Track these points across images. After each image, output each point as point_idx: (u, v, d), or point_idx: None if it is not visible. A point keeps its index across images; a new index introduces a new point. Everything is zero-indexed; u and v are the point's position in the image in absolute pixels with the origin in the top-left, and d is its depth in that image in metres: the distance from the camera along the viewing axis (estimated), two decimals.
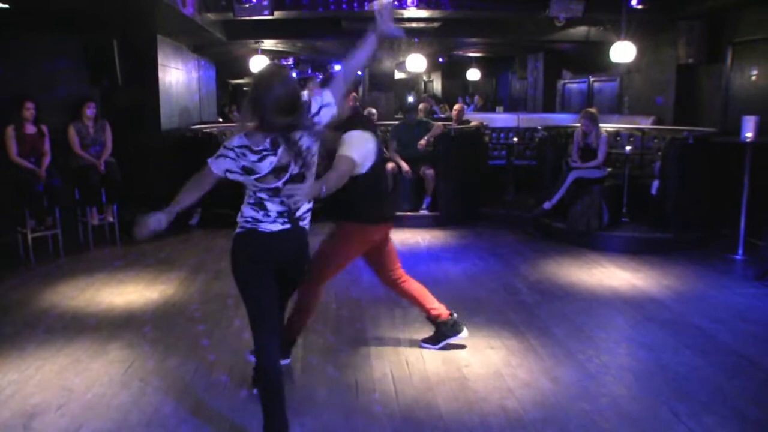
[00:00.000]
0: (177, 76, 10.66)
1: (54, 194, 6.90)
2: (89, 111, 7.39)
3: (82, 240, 7.33)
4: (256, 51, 12.65)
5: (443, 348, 4.26)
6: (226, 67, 17.00)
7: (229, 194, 8.42)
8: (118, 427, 3.32)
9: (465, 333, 4.27)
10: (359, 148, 3.60)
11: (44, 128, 7.01)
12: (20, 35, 8.40)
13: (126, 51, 8.70)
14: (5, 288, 5.82)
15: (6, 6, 7.14)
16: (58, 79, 8.60)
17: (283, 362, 3.80)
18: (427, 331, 4.58)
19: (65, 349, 4.37)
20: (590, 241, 7.13)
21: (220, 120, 13.65)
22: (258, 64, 12.47)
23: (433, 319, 4.29)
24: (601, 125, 7.70)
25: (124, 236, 7.41)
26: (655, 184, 7.21)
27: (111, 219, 7.48)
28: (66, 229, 7.08)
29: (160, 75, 9.14)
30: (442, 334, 4.27)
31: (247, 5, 8.57)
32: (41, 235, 6.88)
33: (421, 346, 4.31)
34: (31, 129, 6.90)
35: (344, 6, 9.78)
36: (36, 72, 8.52)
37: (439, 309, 4.25)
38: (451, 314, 4.27)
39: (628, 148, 7.71)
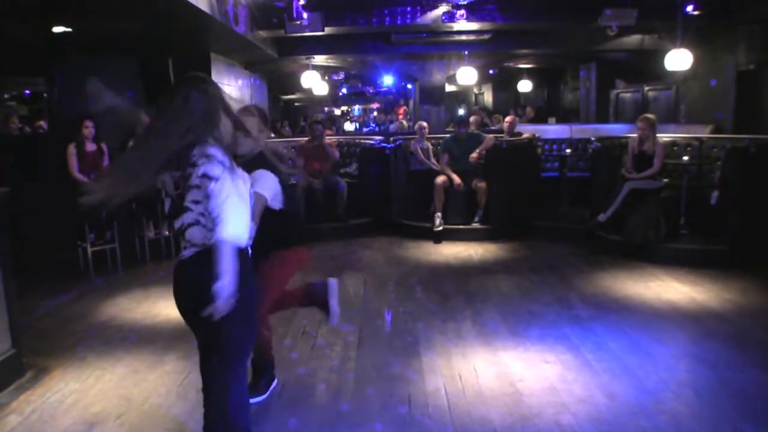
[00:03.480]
0: (229, 92, 10.86)
1: (112, 209, 7.14)
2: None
3: (139, 254, 7.53)
4: (307, 66, 12.85)
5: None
6: (277, 83, 17.32)
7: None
8: None
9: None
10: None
11: (104, 146, 7.27)
12: (80, 56, 8.74)
13: (181, 69, 8.94)
14: (67, 300, 6.02)
15: (69, 30, 7.44)
16: (116, 98, 8.90)
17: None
18: (482, 346, 4.55)
19: (124, 359, 4.48)
20: (647, 254, 6.95)
21: (272, 135, 13.88)
22: (309, 79, 12.65)
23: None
24: (657, 135, 7.52)
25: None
26: (715, 194, 7.00)
27: (166, 233, 7.67)
28: (123, 243, 7.29)
29: None
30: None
31: (298, 22, 8.71)
32: (100, 249, 7.09)
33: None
34: (91, 147, 7.16)
35: (398, 20, 9.85)
36: (95, 91, 8.83)
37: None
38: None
39: (685, 158, 7.51)
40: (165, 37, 8.38)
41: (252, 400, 3.60)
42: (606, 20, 9.06)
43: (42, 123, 12.06)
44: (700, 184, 7.62)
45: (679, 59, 8.90)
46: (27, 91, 15.63)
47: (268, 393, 3.83)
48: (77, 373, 4.27)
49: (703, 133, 9.04)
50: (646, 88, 12.48)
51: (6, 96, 14.30)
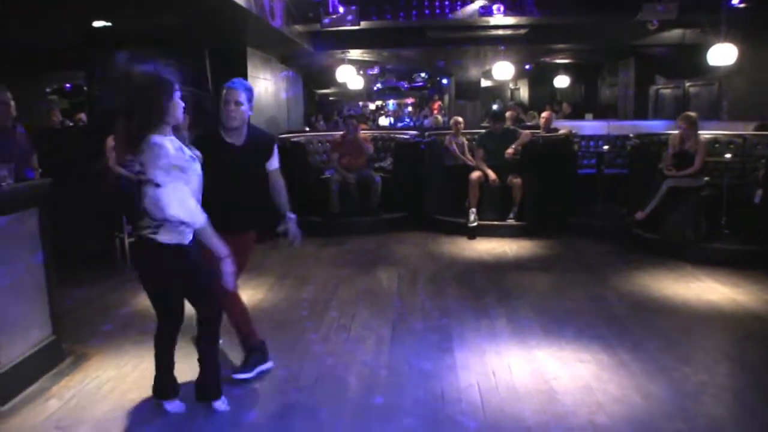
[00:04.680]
0: (266, 86, 10.96)
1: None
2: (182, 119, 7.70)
3: None
4: (342, 61, 12.88)
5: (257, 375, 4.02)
6: (312, 77, 17.39)
7: (317, 202, 8.65)
8: None
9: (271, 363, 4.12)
10: None
11: None
12: (118, 49, 8.86)
13: (217, 62, 9.02)
14: (104, 290, 6.12)
15: (109, 24, 7.56)
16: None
17: None
18: (516, 344, 4.51)
19: None
20: (686, 254, 6.80)
21: (306, 129, 13.95)
22: (344, 73, 12.68)
23: (248, 345, 4.11)
24: (698, 132, 7.35)
25: None
26: (759, 193, 6.82)
27: None
28: None
29: None
30: (256, 362, 4.06)
31: (333, 16, 8.74)
32: None
33: (234, 378, 3.96)
34: None
35: (434, 13, 9.83)
36: (132, 83, 8.94)
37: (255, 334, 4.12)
38: (263, 341, 4.13)
39: (727, 155, 7.32)
40: (202, 31, 8.46)
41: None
42: (646, 14, 8.88)
43: (82, 116, 12.28)
44: (743, 182, 7.42)
45: (723, 54, 8.71)
46: (68, 85, 15.94)
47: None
48: (114, 360, 4.34)
49: (747, 130, 8.81)
50: (687, 84, 12.23)
51: (48, 90, 14.58)
